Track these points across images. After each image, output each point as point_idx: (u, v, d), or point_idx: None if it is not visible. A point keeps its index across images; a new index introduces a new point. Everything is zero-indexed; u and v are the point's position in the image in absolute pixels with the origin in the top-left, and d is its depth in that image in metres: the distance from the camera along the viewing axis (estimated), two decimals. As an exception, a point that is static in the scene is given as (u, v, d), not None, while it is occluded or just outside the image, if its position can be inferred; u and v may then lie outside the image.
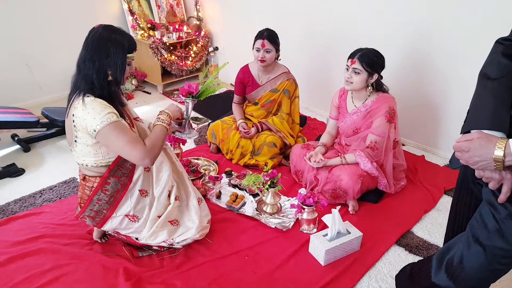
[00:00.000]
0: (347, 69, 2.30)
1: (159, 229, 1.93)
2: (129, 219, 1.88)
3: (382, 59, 2.29)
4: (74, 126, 1.65)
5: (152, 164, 1.72)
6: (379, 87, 2.36)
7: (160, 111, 1.87)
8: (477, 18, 2.55)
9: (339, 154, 2.45)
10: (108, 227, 1.90)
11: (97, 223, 1.88)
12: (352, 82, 2.29)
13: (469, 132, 1.11)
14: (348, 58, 2.30)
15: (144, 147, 1.64)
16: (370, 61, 2.23)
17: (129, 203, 1.85)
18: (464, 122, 1.18)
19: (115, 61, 1.64)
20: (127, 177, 1.81)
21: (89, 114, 1.59)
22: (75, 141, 1.71)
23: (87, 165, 1.77)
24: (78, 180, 1.86)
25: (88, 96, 1.62)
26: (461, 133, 1.15)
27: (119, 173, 1.79)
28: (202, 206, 2.12)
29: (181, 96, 2.10)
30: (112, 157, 1.76)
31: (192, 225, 2.01)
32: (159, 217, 1.93)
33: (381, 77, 2.35)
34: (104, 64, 1.63)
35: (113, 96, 1.72)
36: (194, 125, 2.25)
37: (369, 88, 2.32)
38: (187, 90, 2.03)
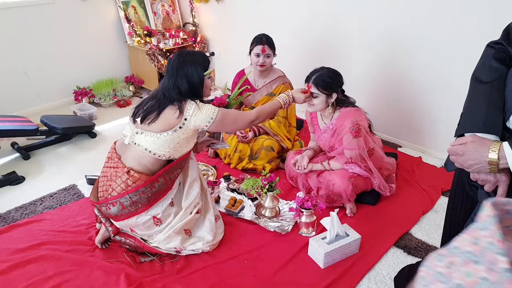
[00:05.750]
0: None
1: (175, 234, 2.00)
2: (155, 221, 1.95)
3: (337, 78, 2.28)
4: (184, 121, 1.84)
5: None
6: (341, 103, 2.34)
7: (288, 91, 2.19)
8: (470, 20, 2.58)
9: (327, 159, 2.46)
10: (130, 222, 1.93)
11: (121, 215, 1.91)
12: (313, 104, 2.29)
13: (463, 135, 1.13)
14: (305, 82, 2.29)
15: (249, 116, 2.01)
16: (325, 83, 2.22)
17: (160, 206, 1.96)
18: (458, 125, 1.19)
19: (193, 78, 1.87)
20: (171, 182, 1.98)
21: (202, 112, 1.86)
22: (170, 132, 1.84)
23: (154, 154, 1.88)
24: (107, 173, 1.98)
25: (196, 100, 1.88)
26: (455, 137, 1.16)
27: (168, 176, 1.94)
28: (219, 223, 2.19)
29: None
30: (173, 159, 1.95)
31: (204, 238, 2.08)
32: None
33: (343, 91, 2.36)
34: (185, 83, 1.86)
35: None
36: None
37: (329, 108, 2.32)
38: (219, 102, 2.18)
